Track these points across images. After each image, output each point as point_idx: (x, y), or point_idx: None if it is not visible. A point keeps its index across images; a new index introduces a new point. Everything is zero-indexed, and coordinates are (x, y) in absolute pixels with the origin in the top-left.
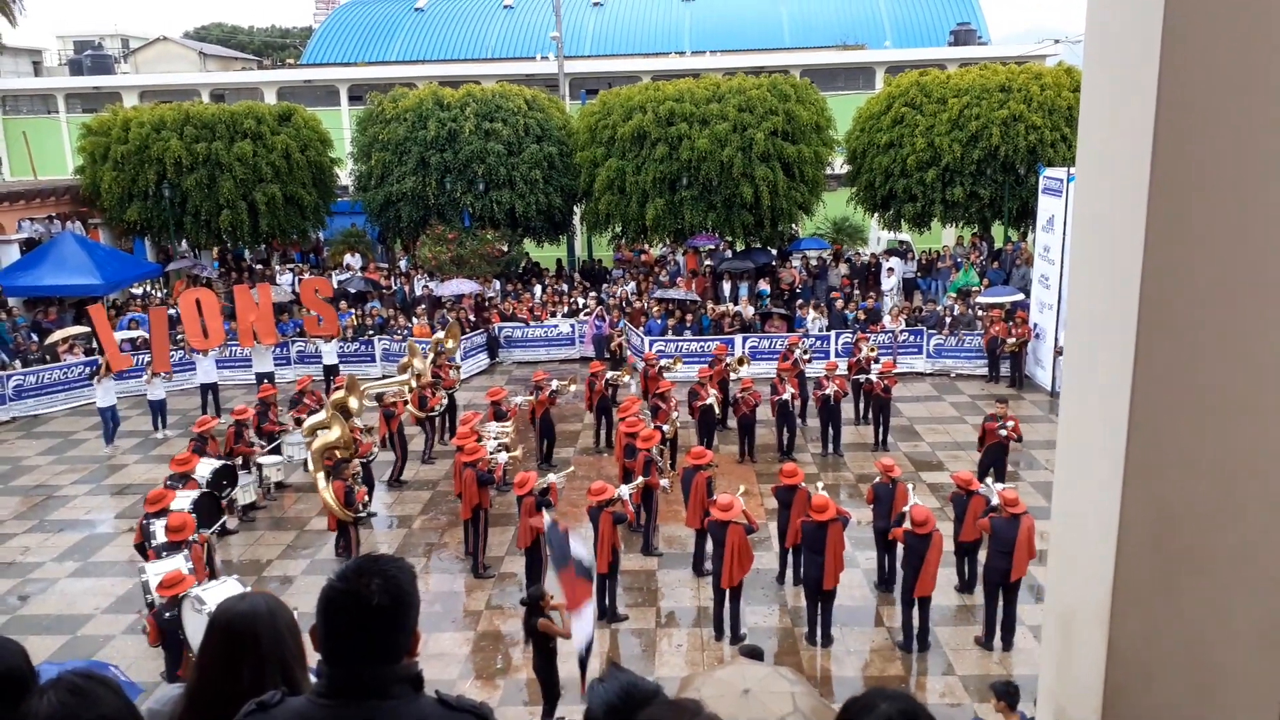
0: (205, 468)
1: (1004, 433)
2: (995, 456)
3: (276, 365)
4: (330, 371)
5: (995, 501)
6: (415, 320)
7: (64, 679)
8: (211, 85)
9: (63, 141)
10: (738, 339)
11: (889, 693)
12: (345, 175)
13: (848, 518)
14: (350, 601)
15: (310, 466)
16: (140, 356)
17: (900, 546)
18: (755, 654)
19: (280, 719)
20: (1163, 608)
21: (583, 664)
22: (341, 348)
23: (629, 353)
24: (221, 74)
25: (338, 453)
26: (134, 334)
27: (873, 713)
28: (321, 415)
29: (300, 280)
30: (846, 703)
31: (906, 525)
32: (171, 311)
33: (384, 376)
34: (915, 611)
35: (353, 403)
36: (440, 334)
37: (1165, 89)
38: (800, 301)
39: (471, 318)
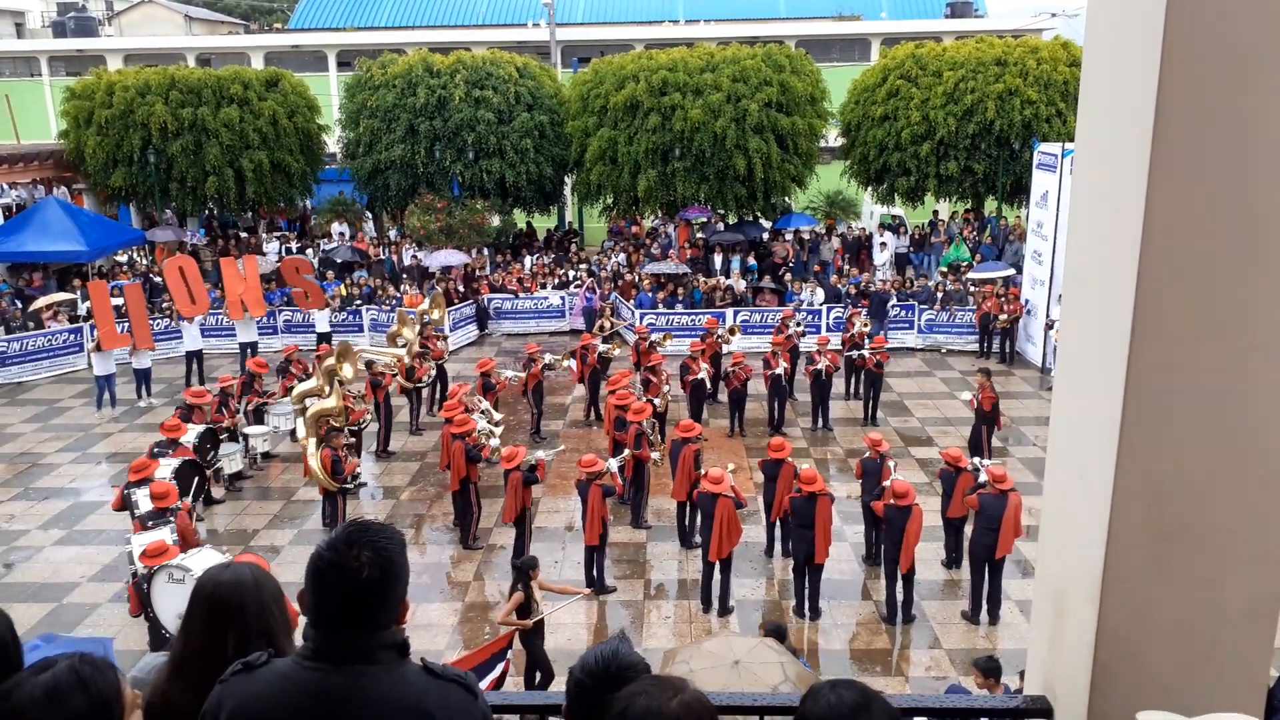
0: (191, 434)
1: (967, 397)
2: (976, 426)
3: (263, 335)
4: (323, 339)
5: (984, 478)
6: (406, 290)
7: (54, 674)
8: (197, 49)
9: (46, 105)
10: (729, 313)
11: (840, 682)
12: (333, 142)
13: (831, 495)
14: (339, 572)
15: (301, 433)
16: (121, 325)
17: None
18: (779, 633)
19: (264, 679)
20: (1153, 585)
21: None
22: (334, 316)
23: (617, 322)
24: (208, 38)
25: (331, 420)
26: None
27: (819, 699)
28: (312, 383)
29: (284, 256)
30: (805, 692)
31: (889, 499)
32: (157, 279)
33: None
34: (899, 584)
35: (346, 370)
36: (425, 304)
37: (1169, 64)
38: (791, 276)
39: (461, 288)
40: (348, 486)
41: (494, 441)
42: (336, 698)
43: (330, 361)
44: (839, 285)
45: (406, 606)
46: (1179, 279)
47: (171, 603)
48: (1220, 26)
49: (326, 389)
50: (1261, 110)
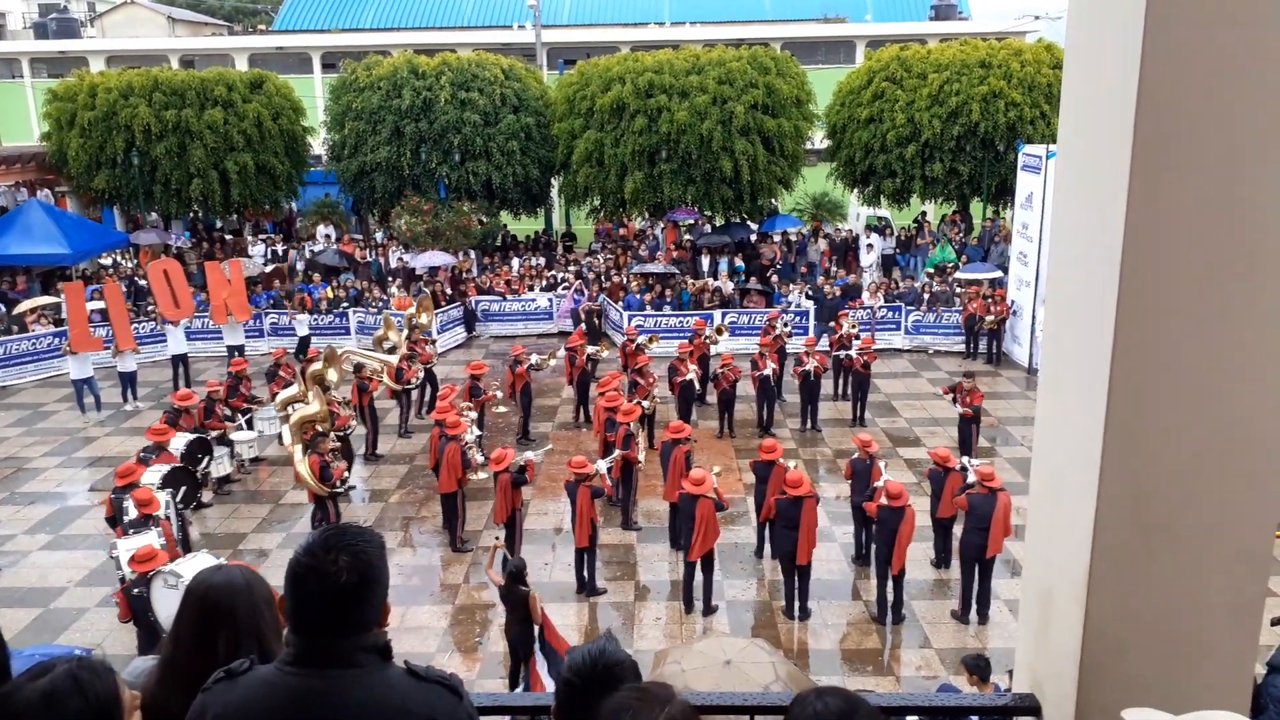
0: (179, 440)
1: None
2: (963, 426)
3: (250, 337)
4: (304, 344)
5: (972, 478)
6: (394, 293)
7: (51, 679)
8: (181, 51)
9: (28, 107)
10: (717, 314)
11: (826, 690)
12: (318, 144)
13: (816, 497)
14: (317, 577)
15: (287, 439)
16: (103, 328)
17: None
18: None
19: (246, 686)
20: (1138, 582)
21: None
22: (314, 319)
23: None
24: (191, 39)
25: (316, 426)
26: (100, 304)
27: (806, 707)
28: (294, 390)
29: (270, 258)
30: (792, 700)
31: (881, 500)
32: (141, 282)
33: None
34: (890, 584)
35: (331, 375)
36: (413, 308)
37: (1149, 66)
38: (778, 278)
39: (448, 291)
40: (338, 490)
41: (479, 458)
42: (317, 702)
43: (316, 366)
44: (824, 286)
45: (388, 609)
46: (1161, 279)
47: (171, 607)
48: (1200, 28)
49: (309, 395)
50: (1241, 111)
